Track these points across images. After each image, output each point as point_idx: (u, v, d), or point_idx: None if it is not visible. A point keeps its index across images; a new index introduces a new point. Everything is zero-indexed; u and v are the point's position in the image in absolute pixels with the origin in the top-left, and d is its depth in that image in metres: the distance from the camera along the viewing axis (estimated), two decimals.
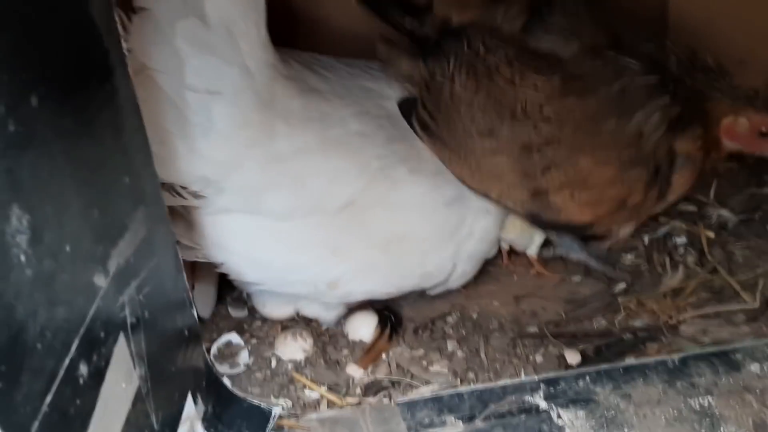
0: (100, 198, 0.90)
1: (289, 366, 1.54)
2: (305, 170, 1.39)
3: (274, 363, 1.54)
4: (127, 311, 0.95)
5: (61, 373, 0.76)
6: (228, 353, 1.54)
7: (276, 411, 1.31)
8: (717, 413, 1.33)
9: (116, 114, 0.97)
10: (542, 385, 1.39)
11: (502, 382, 1.42)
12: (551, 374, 1.42)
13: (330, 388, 1.48)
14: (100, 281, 0.88)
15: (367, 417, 1.36)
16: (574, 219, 1.52)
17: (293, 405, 1.43)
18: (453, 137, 1.48)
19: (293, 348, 1.56)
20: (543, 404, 1.36)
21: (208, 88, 1.28)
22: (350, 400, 1.44)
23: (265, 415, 1.31)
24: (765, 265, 1.71)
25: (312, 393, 1.47)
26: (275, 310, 1.61)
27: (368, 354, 1.55)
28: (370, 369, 1.53)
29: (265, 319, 1.65)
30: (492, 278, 1.76)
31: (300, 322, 1.65)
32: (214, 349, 1.54)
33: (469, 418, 1.35)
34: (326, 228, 1.45)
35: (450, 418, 1.35)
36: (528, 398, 1.37)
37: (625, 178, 1.46)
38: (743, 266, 1.72)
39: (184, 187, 1.33)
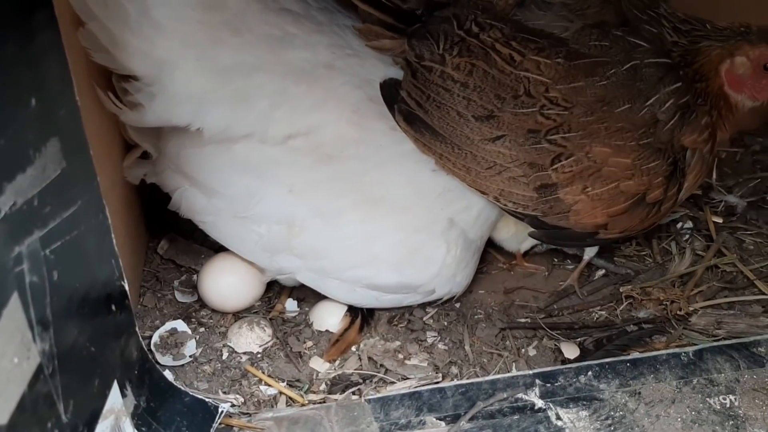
0: None
1: (243, 359, 1.32)
2: (249, 87, 1.25)
3: (225, 355, 1.33)
4: (25, 266, 0.74)
5: None
6: (172, 342, 1.32)
7: (223, 408, 1.10)
8: (741, 414, 1.15)
9: (26, 12, 0.76)
10: (537, 381, 1.20)
11: (491, 377, 1.22)
12: (548, 368, 1.23)
13: (290, 384, 1.27)
14: None
15: (332, 416, 1.16)
16: (584, 221, 1.32)
17: (245, 402, 1.22)
18: (446, 125, 1.29)
19: (248, 339, 1.35)
20: (539, 402, 1.17)
21: None
22: (313, 397, 1.24)
23: (210, 412, 1.10)
24: None
25: (269, 389, 1.26)
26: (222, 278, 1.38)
27: (335, 346, 1.34)
28: (337, 363, 1.32)
29: None
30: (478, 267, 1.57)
31: (259, 312, 1.43)
32: (155, 338, 1.32)
33: (453, 418, 1.15)
34: (282, 158, 1.28)
35: (430, 418, 1.15)
36: (522, 395, 1.18)
37: (644, 170, 1.28)
38: (755, 254, 1.56)
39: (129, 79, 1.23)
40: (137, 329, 1.05)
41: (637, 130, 1.27)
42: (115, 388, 0.96)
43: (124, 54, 1.18)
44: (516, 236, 1.50)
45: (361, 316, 1.39)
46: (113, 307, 0.97)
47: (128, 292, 1.01)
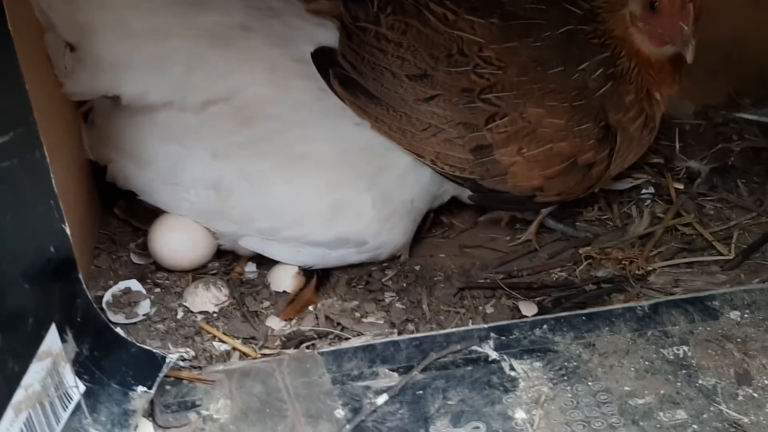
0: None
1: (198, 318, 1.30)
2: (162, 53, 1.25)
3: (180, 314, 1.30)
4: None
5: None
6: (125, 301, 1.29)
7: (171, 358, 1.08)
8: (694, 363, 1.14)
9: None
10: (492, 334, 1.19)
11: (445, 331, 1.21)
12: (503, 322, 1.22)
13: (245, 342, 1.25)
14: None
15: (284, 368, 1.14)
16: (521, 183, 1.32)
17: (197, 357, 1.20)
18: (380, 86, 1.29)
19: (204, 299, 1.32)
20: (493, 354, 1.16)
21: None
22: (267, 352, 1.22)
23: (158, 363, 1.07)
24: (738, 218, 1.54)
25: (222, 345, 1.23)
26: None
27: (291, 305, 1.32)
28: (294, 321, 1.30)
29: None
30: (438, 231, 1.56)
31: (217, 273, 1.41)
32: (107, 296, 1.29)
33: (406, 370, 1.13)
34: (202, 125, 1.28)
35: (383, 369, 1.14)
36: (476, 348, 1.17)
37: (576, 132, 1.29)
38: (715, 219, 1.55)
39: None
40: (80, 276, 1.02)
41: (570, 92, 1.27)
42: (53, 330, 0.94)
43: (54, 15, 1.19)
44: None
45: (316, 277, 1.37)
46: (52, 249, 0.95)
47: (70, 237, 0.99)
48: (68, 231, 0.99)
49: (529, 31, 1.27)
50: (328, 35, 1.34)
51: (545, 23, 1.28)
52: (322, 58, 1.31)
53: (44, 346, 0.91)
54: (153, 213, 1.46)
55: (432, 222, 1.54)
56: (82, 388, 1.00)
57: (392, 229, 1.37)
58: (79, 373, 1.00)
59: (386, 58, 1.28)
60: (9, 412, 0.82)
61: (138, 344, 1.08)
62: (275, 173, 1.30)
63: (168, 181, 1.32)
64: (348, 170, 1.33)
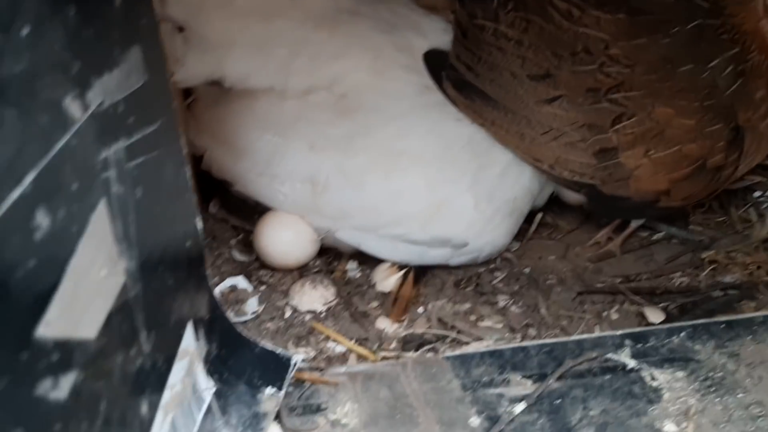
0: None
1: (307, 317, 1.25)
2: (266, 34, 1.21)
3: (288, 313, 1.26)
4: (111, 173, 0.67)
5: (5, 206, 0.48)
6: (233, 299, 1.25)
7: (296, 359, 1.03)
8: None
9: None
10: (627, 341, 1.12)
11: (576, 337, 1.14)
12: (637, 329, 1.15)
13: (359, 342, 1.20)
14: (75, 110, 0.61)
15: (409, 372, 1.08)
16: (645, 188, 1.24)
17: (315, 357, 1.15)
18: (498, 88, 1.22)
19: (312, 297, 1.28)
20: (631, 363, 1.09)
21: None
22: (385, 354, 1.16)
23: (282, 364, 1.03)
24: None
25: (337, 346, 1.19)
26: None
27: (397, 304, 1.27)
28: (405, 323, 1.25)
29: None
30: (544, 233, 1.49)
31: (321, 270, 1.36)
32: (216, 293, 1.24)
33: (539, 377, 1.07)
34: (301, 114, 1.24)
35: (515, 376, 1.07)
36: (612, 356, 1.10)
37: (707, 134, 1.20)
38: None
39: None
40: (208, 273, 0.98)
41: (700, 91, 1.19)
42: (189, 328, 0.89)
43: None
44: None
45: (413, 271, 1.31)
46: (188, 244, 0.91)
47: (201, 231, 0.95)
48: (200, 225, 0.95)
49: (657, 27, 1.19)
50: (435, 26, 1.29)
51: (673, 18, 1.20)
52: (434, 62, 1.25)
53: (183, 345, 0.87)
54: (249, 212, 1.42)
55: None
56: (214, 388, 0.96)
57: (495, 229, 1.31)
58: (210, 372, 0.96)
59: (505, 58, 1.21)
60: (159, 414, 0.78)
61: (262, 345, 1.04)
62: (373, 169, 1.24)
63: (264, 173, 1.27)
64: (449, 168, 1.26)
